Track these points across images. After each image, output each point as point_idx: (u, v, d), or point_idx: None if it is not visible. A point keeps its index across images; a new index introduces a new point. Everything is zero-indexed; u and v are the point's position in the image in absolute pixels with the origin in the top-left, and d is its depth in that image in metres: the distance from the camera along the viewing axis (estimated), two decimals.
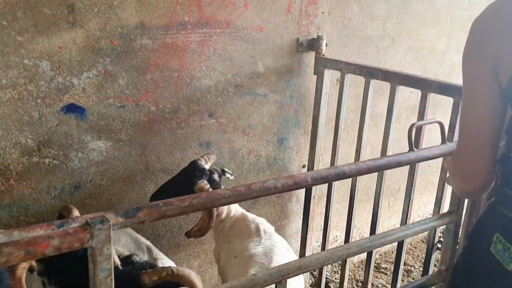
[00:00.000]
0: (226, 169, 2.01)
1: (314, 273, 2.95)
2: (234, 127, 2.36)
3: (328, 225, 2.61)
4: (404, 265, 2.85)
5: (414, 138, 1.55)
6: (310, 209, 2.67)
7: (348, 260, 2.55)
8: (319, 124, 2.50)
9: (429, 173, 3.19)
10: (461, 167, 1.19)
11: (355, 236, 3.01)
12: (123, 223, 0.99)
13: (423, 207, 3.48)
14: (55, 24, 1.77)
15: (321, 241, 2.87)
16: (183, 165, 2.24)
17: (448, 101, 1.92)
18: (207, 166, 1.91)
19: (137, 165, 2.11)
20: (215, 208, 1.74)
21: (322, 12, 2.48)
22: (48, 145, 1.87)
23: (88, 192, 2.01)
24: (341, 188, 2.86)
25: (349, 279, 2.97)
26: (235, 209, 2.07)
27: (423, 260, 2.50)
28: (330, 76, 2.46)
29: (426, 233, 2.46)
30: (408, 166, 2.00)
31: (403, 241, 2.12)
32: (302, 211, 2.76)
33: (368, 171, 1.37)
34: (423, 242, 3.44)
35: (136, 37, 1.95)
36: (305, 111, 2.58)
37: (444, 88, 1.93)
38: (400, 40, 2.84)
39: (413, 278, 3.04)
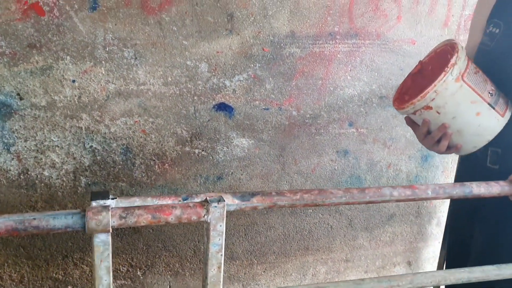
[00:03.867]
0: None
1: None
2: (375, 139, 2.35)
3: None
4: None
5: None
6: None
7: None
8: None
9: None
10: None
11: None
12: (238, 205, 1.09)
13: None
14: (215, 31, 1.99)
15: None
16: (318, 171, 2.31)
17: None
18: None
19: (275, 164, 2.24)
20: None
21: None
22: (199, 137, 2.10)
23: (228, 183, 2.20)
24: None
25: None
26: None
27: None
28: None
29: None
30: None
31: None
32: (442, 235, 2.59)
33: (500, 193, 1.26)
34: None
35: (286, 46, 2.08)
36: None
37: None
38: None
39: None
